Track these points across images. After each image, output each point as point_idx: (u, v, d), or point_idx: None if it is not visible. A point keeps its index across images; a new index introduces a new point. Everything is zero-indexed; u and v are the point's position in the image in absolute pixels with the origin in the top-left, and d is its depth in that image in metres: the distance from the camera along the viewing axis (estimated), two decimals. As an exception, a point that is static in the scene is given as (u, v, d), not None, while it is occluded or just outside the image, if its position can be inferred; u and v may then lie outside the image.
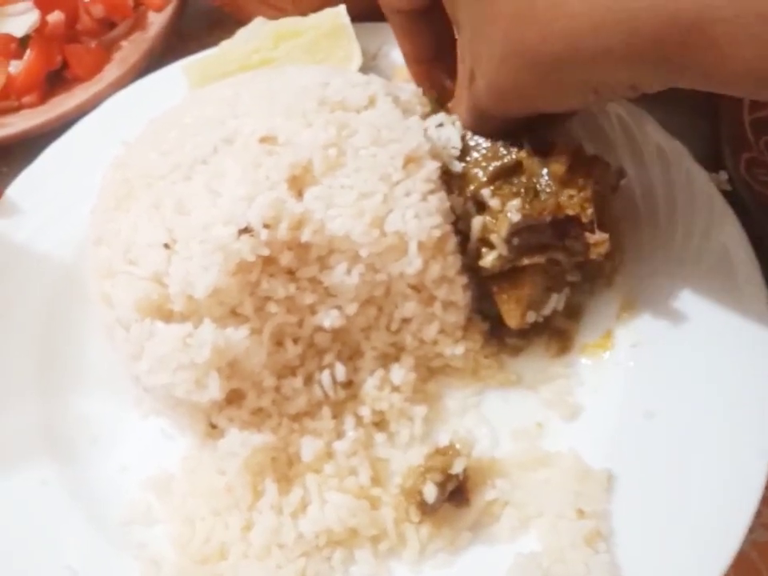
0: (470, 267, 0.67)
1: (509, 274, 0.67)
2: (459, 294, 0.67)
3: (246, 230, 0.61)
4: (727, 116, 0.75)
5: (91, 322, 0.71)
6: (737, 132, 0.74)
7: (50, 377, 0.72)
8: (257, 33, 0.85)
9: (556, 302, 0.69)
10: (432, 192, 0.65)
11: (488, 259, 0.65)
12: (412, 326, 0.67)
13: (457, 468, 0.62)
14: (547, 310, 0.68)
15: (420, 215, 0.63)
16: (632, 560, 0.57)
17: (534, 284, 0.67)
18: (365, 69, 0.82)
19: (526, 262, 0.66)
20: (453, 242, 0.66)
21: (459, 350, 0.68)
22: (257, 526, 0.61)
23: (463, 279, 0.67)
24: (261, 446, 0.61)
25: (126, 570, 0.61)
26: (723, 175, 0.72)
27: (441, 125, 0.69)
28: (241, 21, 0.90)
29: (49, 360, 0.73)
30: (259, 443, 0.61)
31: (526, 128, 0.66)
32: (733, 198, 0.70)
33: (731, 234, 0.68)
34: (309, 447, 0.62)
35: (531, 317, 0.67)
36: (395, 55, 0.85)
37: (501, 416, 0.67)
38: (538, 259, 0.66)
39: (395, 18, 0.73)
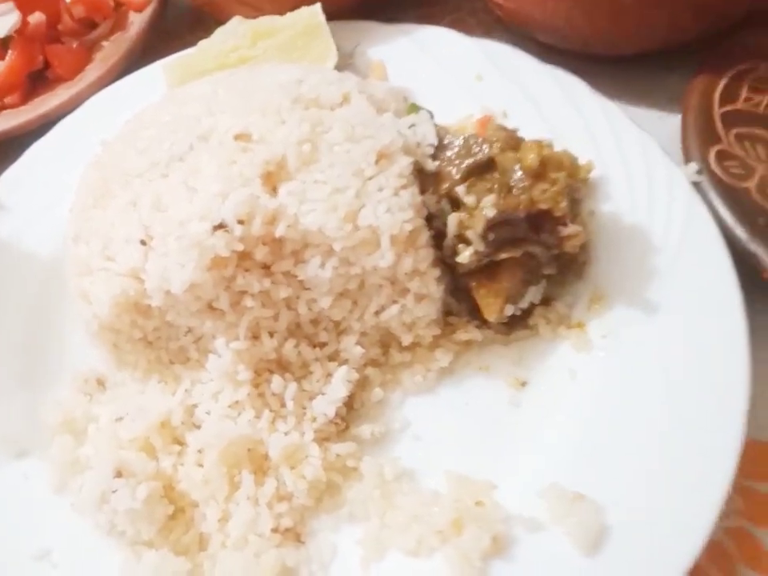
0: (447, 263, 0.67)
1: (486, 268, 0.67)
2: (432, 286, 0.67)
3: (220, 226, 0.62)
4: (696, 109, 0.76)
5: (72, 315, 0.71)
6: (706, 125, 0.75)
7: (32, 371, 0.73)
8: (234, 32, 0.85)
9: (533, 294, 0.69)
10: (404, 187, 0.65)
11: (465, 255, 0.66)
12: (384, 316, 0.67)
13: None
14: (524, 303, 0.69)
15: (392, 210, 0.64)
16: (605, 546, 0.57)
17: (512, 277, 0.68)
18: (341, 67, 0.82)
19: (502, 256, 0.66)
20: (425, 235, 0.66)
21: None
22: (234, 517, 0.61)
23: (436, 272, 0.67)
24: (236, 438, 0.62)
25: (107, 559, 0.62)
26: (693, 167, 0.73)
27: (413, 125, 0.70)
28: (220, 20, 0.90)
29: (31, 355, 0.73)
30: (235, 435, 0.62)
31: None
32: (700, 189, 0.71)
33: (701, 225, 0.68)
34: (276, 444, 0.63)
35: (509, 309, 0.68)
36: (371, 53, 0.86)
37: (469, 399, 0.68)
38: (514, 253, 0.66)
39: None
